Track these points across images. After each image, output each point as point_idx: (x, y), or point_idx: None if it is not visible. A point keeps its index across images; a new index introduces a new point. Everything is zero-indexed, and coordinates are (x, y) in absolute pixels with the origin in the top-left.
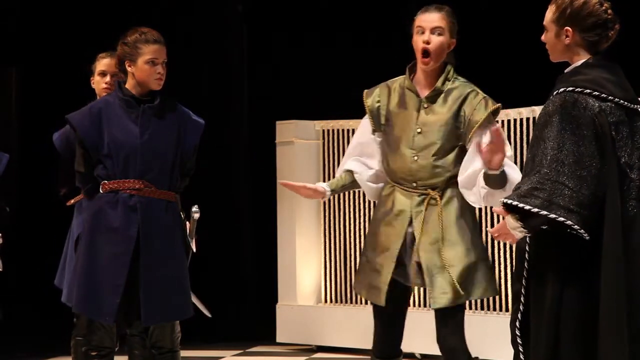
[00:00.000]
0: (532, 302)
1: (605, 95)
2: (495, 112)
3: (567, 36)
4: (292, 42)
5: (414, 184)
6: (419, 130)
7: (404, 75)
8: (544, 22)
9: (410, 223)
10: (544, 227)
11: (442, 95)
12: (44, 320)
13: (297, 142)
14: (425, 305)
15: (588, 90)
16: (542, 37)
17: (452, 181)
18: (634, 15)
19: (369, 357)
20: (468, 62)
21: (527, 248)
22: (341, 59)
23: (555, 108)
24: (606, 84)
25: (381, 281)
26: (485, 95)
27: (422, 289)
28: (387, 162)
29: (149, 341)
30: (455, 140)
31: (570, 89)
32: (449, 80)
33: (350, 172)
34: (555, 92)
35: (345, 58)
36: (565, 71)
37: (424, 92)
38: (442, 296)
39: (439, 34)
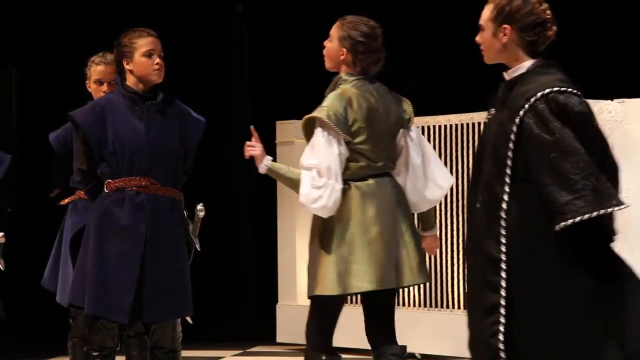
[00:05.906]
0: (531, 315)
1: (580, 94)
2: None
3: (504, 35)
4: (292, 42)
5: None
6: None
7: None
8: (481, 21)
9: None
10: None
11: None
12: (44, 320)
13: (297, 142)
14: (425, 305)
15: (570, 89)
16: (477, 38)
17: None
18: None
19: (369, 357)
20: (463, 65)
21: (503, 257)
22: None
23: (553, 116)
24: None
25: None
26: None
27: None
28: None
29: (150, 341)
30: None
31: (556, 89)
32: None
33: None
34: (539, 95)
35: None
36: (524, 72)
37: None
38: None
39: (329, 41)
